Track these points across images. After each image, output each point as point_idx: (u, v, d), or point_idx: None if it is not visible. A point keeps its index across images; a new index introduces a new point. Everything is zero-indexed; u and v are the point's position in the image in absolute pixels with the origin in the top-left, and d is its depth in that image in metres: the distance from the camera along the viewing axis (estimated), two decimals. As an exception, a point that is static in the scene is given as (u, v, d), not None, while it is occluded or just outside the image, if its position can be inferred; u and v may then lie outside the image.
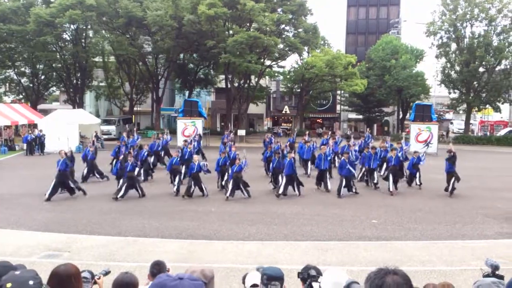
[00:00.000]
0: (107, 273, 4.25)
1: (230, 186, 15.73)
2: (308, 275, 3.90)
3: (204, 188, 16.05)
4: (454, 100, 47.48)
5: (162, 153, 23.38)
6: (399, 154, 18.01)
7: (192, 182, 15.89)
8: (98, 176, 19.31)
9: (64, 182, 15.47)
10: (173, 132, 35.19)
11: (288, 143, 24.43)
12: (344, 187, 16.49)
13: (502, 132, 48.65)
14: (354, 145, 21.34)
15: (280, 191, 15.96)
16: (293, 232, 11.63)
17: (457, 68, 45.61)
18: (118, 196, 15.30)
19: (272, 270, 3.78)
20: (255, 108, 51.50)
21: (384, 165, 19.62)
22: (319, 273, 3.86)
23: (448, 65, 46.30)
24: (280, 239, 10.99)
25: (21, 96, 50.06)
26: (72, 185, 15.67)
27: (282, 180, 16.17)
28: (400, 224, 12.58)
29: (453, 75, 46.21)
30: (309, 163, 21.91)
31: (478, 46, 42.45)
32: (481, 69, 44.52)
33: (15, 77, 47.93)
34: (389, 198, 16.33)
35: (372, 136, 26.92)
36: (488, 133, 49.63)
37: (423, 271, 8.71)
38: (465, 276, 8.44)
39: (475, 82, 44.89)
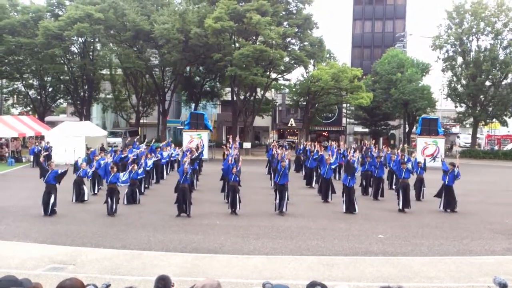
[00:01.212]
0: (107, 286, 4.24)
1: (229, 198, 15.61)
2: (314, 292, 3.87)
3: (189, 207, 15.02)
4: (461, 114, 47.37)
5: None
6: (409, 166, 17.74)
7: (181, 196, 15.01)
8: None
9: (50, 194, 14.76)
10: (179, 144, 35.30)
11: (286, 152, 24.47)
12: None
13: (509, 146, 48.40)
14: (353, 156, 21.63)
15: (284, 208, 15.54)
16: (299, 247, 11.54)
17: (463, 81, 45.60)
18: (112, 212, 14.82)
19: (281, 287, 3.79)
20: (261, 121, 51.61)
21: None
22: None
23: (454, 78, 46.31)
24: (286, 254, 10.91)
25: (28, 108, 50.50)
26: (51, 203, 14.74)
27: (278, 195, 15.68)
28: (407, 239, 12.47)
29: (460, 89, 46.19)
30: (314, 173, 21.94)
31: (484, 60, 42.47)
32: (487, 83, 44.50)
33: (23, 89, 48.35)
34: (395, 213, 16.20)
35: (374, 148, 26.84)
36: (495, 147, 49.35)
37: (430, 288, 8.62)
38: (473, 293, 8.34)
39: (481, 96, 44.82)
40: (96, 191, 19.15)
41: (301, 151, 27.85)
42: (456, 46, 44.45)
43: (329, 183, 18.38)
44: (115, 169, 15.59)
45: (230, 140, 26.01)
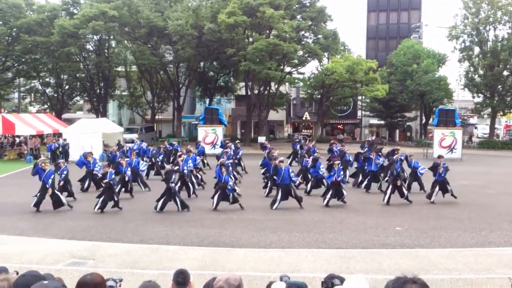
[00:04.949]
0: (120, 281, 4.30)
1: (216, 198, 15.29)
2: (332, 284, 3.88)
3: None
4: (478, 105, 46.73)
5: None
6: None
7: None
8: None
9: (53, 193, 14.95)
10: (194, 139, 35.48)
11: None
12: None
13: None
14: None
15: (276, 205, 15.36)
16: (315, 240, 11.54)
17: (481, 72, 44.92)
18: (96, 209, 14.62)
19: (298, 284, 3.82)
20: (275, 115, 51.52)
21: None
22: (343, 282, 3.83)
23: (472, 69, 45.64)
24: (303, 247, 10.92)
25: (46, 106, 51.22)
26: (61, 198, 15.18)
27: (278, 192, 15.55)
28: (425, 231, 12.37)
29: (477, 79, 45.54)
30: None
31: (502, 50, 41.78)
32: (505, 73, 43.82)
33: (40, 87, 49.10)
34: (412, 206, 16.05)
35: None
36: (514, 138, 48.61)
37: (449, 280, 8.55)
38: (492, 285, 8.26)
39: (499, 86, 44.13)
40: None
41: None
42: (473, 36, 43.76)
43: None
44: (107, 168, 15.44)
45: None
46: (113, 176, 15.41)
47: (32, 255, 10.15)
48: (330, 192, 15.87)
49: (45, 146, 32.94)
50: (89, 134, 30.06)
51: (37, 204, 14.87)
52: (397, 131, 54.50)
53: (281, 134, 56.67)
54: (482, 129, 59.11)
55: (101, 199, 14.75)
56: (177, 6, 42.06)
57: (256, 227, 12.83)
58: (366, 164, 19.51)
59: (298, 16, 42.04)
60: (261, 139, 39.68)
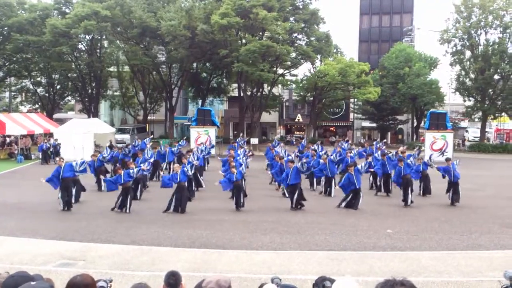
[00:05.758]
0: (110, 281, 4.29)
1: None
2: (323, 286, 3.89)
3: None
4: (469, 108, 47.05)
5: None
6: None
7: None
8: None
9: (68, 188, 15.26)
10: (187, 141, 35.34)
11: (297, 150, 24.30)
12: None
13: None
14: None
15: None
16: (307, 242, 11.55)
17: (472, 75, 45.25)
18: (116, 208, 14.91)
19: (289, 287, 3.84)
20: (268, 117, 51.55)
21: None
22: (334, 284, 3.84)
23: (463, 72, 45.96)
24: (294, 249, 10.92)
25: (37, 106, 50.90)
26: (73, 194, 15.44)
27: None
28: (416, 234, 12.43)
29: (468, 83, 45.84)
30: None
31: (493, 54, 42.10)
32: (496, 77, 44.14)
33: (31, 86, 48.82)
34: (404, 208, 16.14)
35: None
36: (504, 141, 48.98)
37: (439, 282, 8.60)
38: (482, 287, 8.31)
39: (490, 90, 44.48)
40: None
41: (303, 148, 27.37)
42: (464, 40, 44.08)
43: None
44: (120, 171, 15.43)
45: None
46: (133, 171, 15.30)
47: (22, 255, 10.07)
48: (351, 196, 15.85)
49: (36, 146, 32.73)
50: (81, 135, 29.89)
51: (68, 204, 15.12)
52: (389, 133, 54.75)
53: (274, 136, 56.67)
54: (473, 133, 59.51)
55: (120, 199, 14.86)
56: (170, 7, 42.01)
57: (248, 229, 12.81)
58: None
59: (291, 18, 42.13)
60: (254, 140, 39.71)
